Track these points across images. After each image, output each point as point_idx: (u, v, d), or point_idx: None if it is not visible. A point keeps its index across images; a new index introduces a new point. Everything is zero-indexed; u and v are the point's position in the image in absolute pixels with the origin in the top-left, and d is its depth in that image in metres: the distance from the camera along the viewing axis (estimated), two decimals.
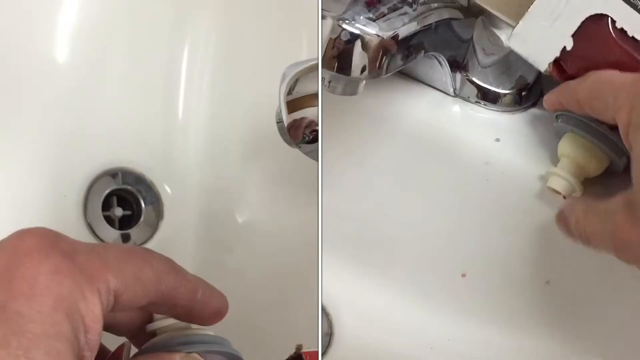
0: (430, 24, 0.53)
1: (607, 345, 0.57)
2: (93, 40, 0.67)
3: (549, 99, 0.55)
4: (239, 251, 0.67)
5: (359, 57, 0.50)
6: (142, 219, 0.68)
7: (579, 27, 0.51)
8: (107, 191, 0.67)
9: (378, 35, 0.49)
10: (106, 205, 0.66)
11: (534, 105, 0.61)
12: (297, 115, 0.54)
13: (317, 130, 0.52)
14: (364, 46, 0.50)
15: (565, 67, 0.51)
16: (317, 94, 0.52)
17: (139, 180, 0.68)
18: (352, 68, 0.51)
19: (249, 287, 0.64)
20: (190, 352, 0.41)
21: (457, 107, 0.60)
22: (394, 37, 0.50)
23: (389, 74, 0.51)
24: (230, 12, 0.69)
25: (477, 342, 0.60)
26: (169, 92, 0.69)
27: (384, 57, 0.51)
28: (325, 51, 0.50)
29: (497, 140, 0.59)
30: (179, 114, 0.70)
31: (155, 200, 0.69)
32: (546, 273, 0.58)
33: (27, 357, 0.32)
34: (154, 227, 0.68)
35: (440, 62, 0.57)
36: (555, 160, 0.56)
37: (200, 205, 0.69)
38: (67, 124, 0.66)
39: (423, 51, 0.54)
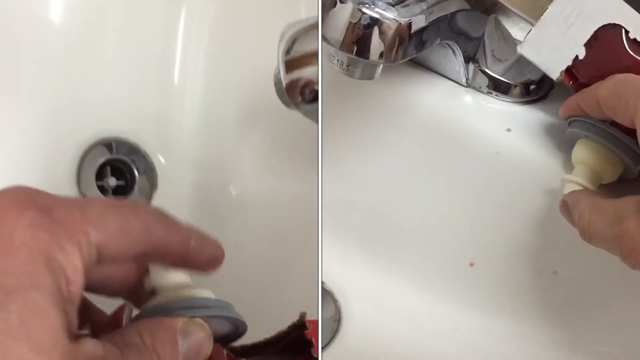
0: (447, 14, 0.59)
1: (614, 334, 0.62)
2: (88, 5, 0.70)
3: (567, 103, 0.59)
4: (232, 223, 0.71)
5: (377, 41, 0.54)
6: (135, 189, 0.72)
7: (592, 36, 0.56)
8: (100, 161, 0.71)
9: (396, 21, 0.54)
10: (100, 175, 0.71)
11: (545, 97, 0.67)
12: (296, 74, 0.57)
13: (316, 90, 0.57)
14: (383, 30, 0.54)
15: (578, 75, 0.56)
16: (316, 53, 0.56)
17: (133, 150, 0.72)
18: (371, 51, 0.55)
19: (242, 260, 0.66)
20: (193, 317, 0.43)
21: (469, 97, 0.66)
22: (412, 23, 0.55)
23: (405, 59, 0.56)
24: None
25: (485, 330, 0.66)
26: (164, 60, 0.73)
27: (402, 42, 0.55)
28: (344, 35, 0.54)
29: (509, 130, 0.65)
30: (174, 81, 0.74)
31: (149, 171, 0.73)
32: (554, 263, 0.64)
33: (4, 310, 0.34)
34: (147, 197, 0.72)
35: (454, 51, 0.64)
36: (565, 151, 0.61)
37: (195, 176, 0.73)
38: (61, 92, 0.69)
39: (439, 39, 0.60)
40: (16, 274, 0.36)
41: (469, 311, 0.66)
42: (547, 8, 0.55)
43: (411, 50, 0.56)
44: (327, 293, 0.67)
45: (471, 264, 0.65)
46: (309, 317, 0.61)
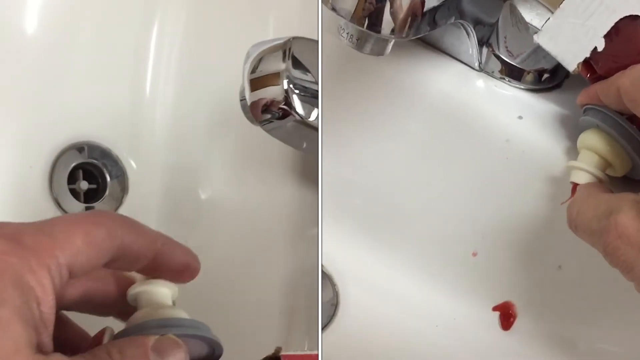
0: None
1: (616, 333, 0.66)
2: (63, 13, 0.77)
3: (586, 90, 0.61)
4: (202, 227, 0.78)
5: (390, 15, 0.56)
6: (107, 192, 0.78)
7: (612, 28, 0.57)
8: (73, 164, 0.77)
9: None
10: (72, 178, 0.77)
11: (559, 86, 0.71)
12: (260, 93, 0.62)
13: (281, 108, 0.61)
14: (396, 4, 0.56)
15: (596, 67, 0.59)
16: (279, 73, 0.61)
17: (105, 154, 0.79)
18: (383, 26, 0.57)
19: (211, 264, 0.73)
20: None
21: (481, 82, 0.70)
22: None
23: (418, 36, 0.59)
24: None
25: (483, 322, 0.71)
26: (137, 68, 0.80)
27: (415, 18, 0.57)
28: (356, 7, 0.56)
29: (520, 118, 0.69)
30: (146, 90, 0.80)
31: (121, 175, 0.79)
32: (559, 258, 0.68)
33: None
34: (118, 201, 0.79)
35: (468, 33, 0.68)
36: (576, 142, 0.62)
37: (165, 181, 0.79)
38: (35, 96, 0.76)
39: (453, 17, 0.63)
40: None
41: (469, 302, 0.71)
42: None
43: (424, 27, 0.59)
44: (325, 276, 0.69)
45: (474, 254, 0.68)
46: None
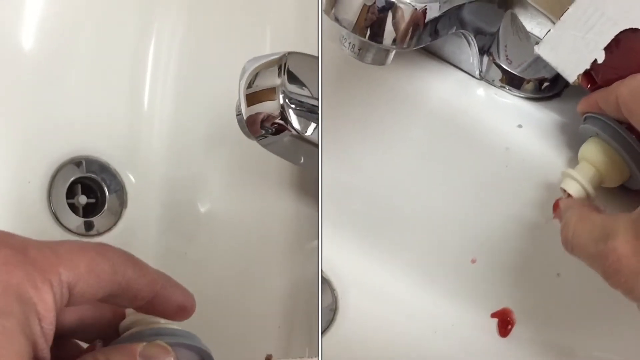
0: (463, 3, 0.62)
1: (614, 341, 0.66)
2: (60, 28, 0.77)
3: (586, 98, 0.61)
4: (201, 240, 0.78)
5: (391, 26, 0.57)
6: (105, 207, 0.78)
7: (613, 40, 0.57)
8: (71, 179, 0.77)
9: (412, 5, 0.57)
10: (70, 192, 0.77)
11: (559, 94, 0.71)
12: (256, 108, 0.62)
13: (277, 123, 0.61)
14: (398, 15, 0.56)
15: (596, 78, 0.58)
16: (275, 88, 0.61)
17: (104, 168, 0.79)
18: (384, 36, 0.57)
19: (210, 276, 0.75)
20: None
21: (481, 90, 0.70)
22: (428, 10, 0.57)
23: (419, 46, 0.60)
24: (197, 6, 0.81)
25: (482, 328, 0.71)
26: (135, 83, 0.80)
27: (416, 29, 0.58)
28: (358, 17, 0.56)
29: (520, 126, 0.69)
30: (144, 104, 0.80)
31: (119, 189, 0.79)
32: (558, 265, 0.68)
33: None
34: (117, 215, 0.79)
35: (469, 42, 0.68)
36: (576, 152, 0.63)
37: (164, 195, 0.80)
38: (32, 111, 0.76)
39: (455, 28, 0.63)
40: None
41: (468, 309, 0.71)
42: (568, 8, 0.56)
43: (425, 37, 0.60)
44: (324, 281, 0.69)
45: (473, 261, 0.68)
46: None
